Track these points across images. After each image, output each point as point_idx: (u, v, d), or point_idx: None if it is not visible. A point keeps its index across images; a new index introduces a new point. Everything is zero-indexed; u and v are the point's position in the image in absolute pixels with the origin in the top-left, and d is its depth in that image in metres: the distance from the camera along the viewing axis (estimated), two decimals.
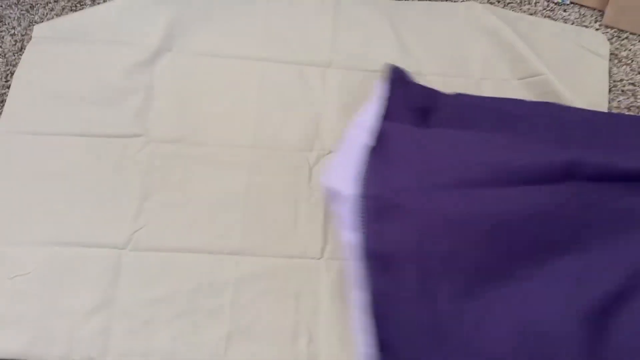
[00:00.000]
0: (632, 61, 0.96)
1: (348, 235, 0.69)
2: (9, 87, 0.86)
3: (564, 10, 1.00)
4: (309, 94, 0.90)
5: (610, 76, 0.95)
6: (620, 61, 0.96)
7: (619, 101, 0.93)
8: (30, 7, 0.94)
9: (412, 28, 0.97)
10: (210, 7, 0.95)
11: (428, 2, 1.00)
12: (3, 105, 0.85)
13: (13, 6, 0.94)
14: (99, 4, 0.94)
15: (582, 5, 1.01)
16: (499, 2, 1.00)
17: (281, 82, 0.91)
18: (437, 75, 0.93)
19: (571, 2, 1.01)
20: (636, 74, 0.95)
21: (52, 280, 0.75)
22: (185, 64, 0.91)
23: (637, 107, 0.92)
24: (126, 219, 0.79)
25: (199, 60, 0.91)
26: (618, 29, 0.99)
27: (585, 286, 0.62)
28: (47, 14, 0.94)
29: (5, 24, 0.92)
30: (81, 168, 0.82)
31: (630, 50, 0.97)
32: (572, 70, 0.94)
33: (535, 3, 1.01)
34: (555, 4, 1.01)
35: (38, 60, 0.88)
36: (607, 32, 0.99)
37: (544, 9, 1.00)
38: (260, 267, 0.78)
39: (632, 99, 0.93)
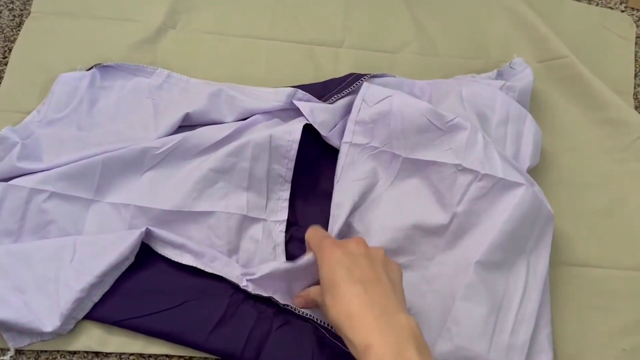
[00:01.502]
0: None
1: None
2: (6, 64, 0.82)
3: None
4: (320, 74, 0.86)
5: (636, 60, 0.91)
6: None
7: None
8: None
9: (428, 7, 0.92)
10: None
11: None
12: (0, 82, 0.81)
13: None
14: None
15: None
16: None
17: (290, 62, 0.87)
18: (454, 57, 0.89)
19: None
20: None
21: None
22: (189, 42, 0.87)
23: None
24: None
25: (204, 39, 0.87)
26: None
27: None
28: None
29: None
30: None
31: None
32: (596, 54, 0.90)
33: None
34: None
35: (37, 36, 0.85)
36: (632, 14, 0.95)
37: None
38: None
39: None
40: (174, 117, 0.74)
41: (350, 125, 0.73)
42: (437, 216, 0.68)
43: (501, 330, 0.62)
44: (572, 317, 0.72)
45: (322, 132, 0.73)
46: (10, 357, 0.65)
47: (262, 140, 0.72)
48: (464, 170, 0.67)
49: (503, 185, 0.66)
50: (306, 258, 0.60)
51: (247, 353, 0.65)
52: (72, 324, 0.65)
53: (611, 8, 0.95)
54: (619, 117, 0.83)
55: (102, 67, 0.80)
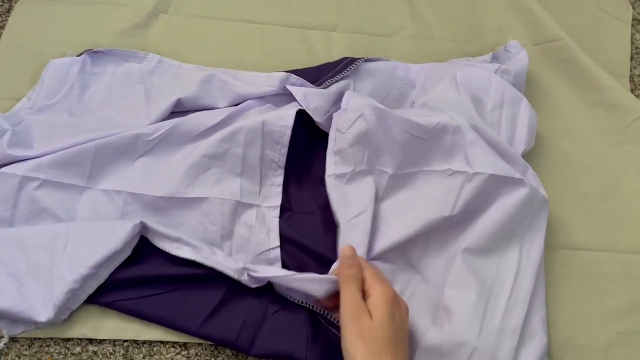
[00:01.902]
0: None
1: None
2: None
3: None
4: (314, 58, 0.85)
5: (632, 42, 0.90)
6: None
7: None
8: None
9: None
10: None
11: None
12: None
13: None
14: None
15: None
16: None
17: (284, 47, 0.86)
18: (449, 40, 0.88)
19: None
20: None
21: None
22: (181, 27, 0.86)
23: None
24: None
25: (195, 23, 0.87)
26: None
27: None
28: None
29: None
30: None
31: None
32: (592, 36, 0.89)
33: None
34: None
35: (27, 21, 0.84)
36: None
37: None
38: None
39: None
40: (166, 103, 0.74)
41: (329, 158, 0.70)
42: (432, 223, 0.66)
43: (492, 315, 0.62)
44: (566, 300, 0.72)
45: (316, 118, 0.72)
46: (4, 344, 0.64)
47: (255, 126, 0.71)
48: (454, 173, 0.66)
49: (495, 180, 0.65)
50: (318, 277, 0.60)
51: (241, 339, 0.64)
52: (66, 314, 0.64)
53: None
54: (615, 100, 0.82)
55: (93, 53, 0.79)
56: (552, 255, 0.74)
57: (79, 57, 0.78)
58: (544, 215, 0.69)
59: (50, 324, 0.63)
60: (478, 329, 0.61)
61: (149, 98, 0.76)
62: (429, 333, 0.61)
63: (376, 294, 0.55)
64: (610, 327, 0.71)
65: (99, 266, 0.63)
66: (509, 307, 0.63)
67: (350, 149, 0.69)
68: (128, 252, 0.66)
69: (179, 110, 0.75)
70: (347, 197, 0.68)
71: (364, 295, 0.56)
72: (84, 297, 0.64)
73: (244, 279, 0.65)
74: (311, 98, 0.73)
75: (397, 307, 0.56)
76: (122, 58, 0.80)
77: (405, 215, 0.68)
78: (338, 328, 0.54)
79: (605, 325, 0.71)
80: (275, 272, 0.64)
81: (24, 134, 0.71)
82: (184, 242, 0.66)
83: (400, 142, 0.68)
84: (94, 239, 0.65)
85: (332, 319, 0.62)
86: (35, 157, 0.69)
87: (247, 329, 0.65)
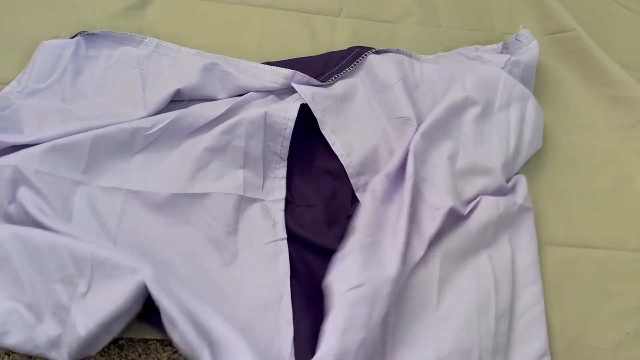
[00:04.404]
0: None
1: None
2: None
3: None
4: (316, 45, 0.82)
5: None
6: None
7: None
8: None
9: None
10: None
11: None
12: None
13: None
14: None
15: None
16: None
17: (285, 32, 0.83)
18: (457, 28, 0.86)
19: None
20: None
21: None
22: (177, 9, 0.83)
23: None
24: None
25: (193, 5, 0.83)
26: None
27: None
28: None
29: None
30: None
31: None
32: (604, 27, 0.87)
33: None
34: None
35: (16, 1, 0.80)
36: None
37: None
38: None
39: None
40: (164, 93, 0.71)
41: None
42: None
43: (487, 334, 0.62)
44: (574, 300, 0.70)
45: (324, 131, 0.72)
46: None
47: (257, 118, 0.69)
48: (439, 209, 0.65)
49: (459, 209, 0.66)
50: None
51: None
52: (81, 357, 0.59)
53: None
54: (627, 94, 0.81)
55: (87, 35, 0.75)
56: (559, 253, 0.72)
57: (72, 40, 0.74)
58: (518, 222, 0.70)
59: None
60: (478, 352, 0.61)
61: (145, 84, 0.73)
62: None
63: None
64: (619, 328, 0.69)
65: (108, 323, 0.57)
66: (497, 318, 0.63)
67: None
68: (137, 310, 0.60)
69: (177, 99, 0.72)
70: None
71: None
72: (99, 347, 0.59)
73: None
74: (319, 100, 0.72)
75: None
76: (117, 41, 0.76)
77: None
78: None
79: (614, 325, 0.70)
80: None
81: (12, 118, 0.68)
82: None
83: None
84: (110, 290, 0.58)
85: None
86: (27, 144, 0.66)
87: None
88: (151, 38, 0.77)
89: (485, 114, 0.72)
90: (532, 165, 0.76)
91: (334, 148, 0.72)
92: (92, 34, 0.75)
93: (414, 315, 0.62)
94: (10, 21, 0.78)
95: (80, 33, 0.75)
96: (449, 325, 0.61)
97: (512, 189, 0.72)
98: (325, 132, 0.72)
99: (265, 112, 0.69)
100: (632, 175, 0.78)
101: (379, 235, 0.63)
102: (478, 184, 0.69)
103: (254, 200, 0.70)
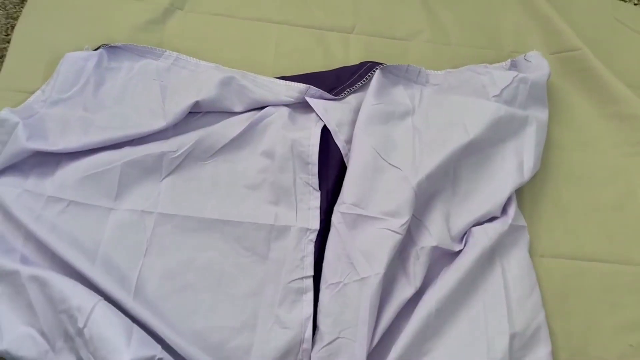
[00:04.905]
0: None
1: None
2: (9, 42, 0.80)
3: None
4: (330, 61, 0.84)
5: None
6: None
7: None
8: None
9: None
10: None
11: None
12: (3, 61, 0.79)
13: None
14: None
15: None
16: None
17: (299, 48, 0.86)
18: (466, 46, 0.88)
19: None
20: None
21: None
22: (197, 24, 0.85)
23: None
24: None
25: (211, 21, 0.86)
26: None
27: None
28: None
29: None
30: None
31: None
32: (609, 47, 0.89)
33: None
34: None
35: (41, 13, 0.83)
36: None
37: None
38: None
39: None
40: (183, 104, 0.73)
41: None
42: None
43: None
44: (579, 312, 0.72)
45: (338, 142, 0.74)
46: None
47: (286, 151, 0.72)
48: (423, 248, 0.68)
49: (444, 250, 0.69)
50: None
51: None
52: None
53: (625, 1, 0.94)
54: (631, 112, 0.83)
55: (110, 48, 0.78)
56: (564, 266, 0.74)
57: (95, 52, 0.77)
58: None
59: None
60: None
61: (165, 95, 0.76)
62: None
63: None
64: (622, 340, 0.71)
65: None
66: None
67: None
68: None
69: (196, 110, 0.75)
70: None
71: None
72: None
73: None
74: (332, 112, 0.75)
75: None
76: (138, 54, 0.79)
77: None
78: None
79: (617, 337, 0.71)
80: None
81: (37, 126, 0.70)
82: None
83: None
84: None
85: None
86: (53, 152, 0.69)
87: None
88: (171, 51, 0.80)
89: (486, 155, 0.75)
90: (538, 180, 0.78)
91: (346, 159, 0.74)
92: (114, 47, 0.78)
93: None
94: (36, 34, 0.81)
95: (102, 45, 0.78)
96: None
97: (503, 211, 0.73)
98: (340, 142, 0.74)
99: (291, 143, 0.73)
100: (636, 191, 0.80)
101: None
102: (470, 221, 0.71)
103: (285, 230, 0.71)
